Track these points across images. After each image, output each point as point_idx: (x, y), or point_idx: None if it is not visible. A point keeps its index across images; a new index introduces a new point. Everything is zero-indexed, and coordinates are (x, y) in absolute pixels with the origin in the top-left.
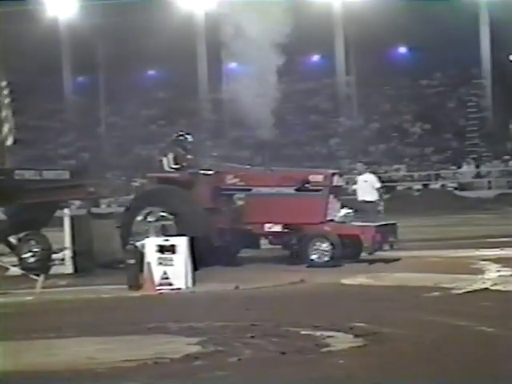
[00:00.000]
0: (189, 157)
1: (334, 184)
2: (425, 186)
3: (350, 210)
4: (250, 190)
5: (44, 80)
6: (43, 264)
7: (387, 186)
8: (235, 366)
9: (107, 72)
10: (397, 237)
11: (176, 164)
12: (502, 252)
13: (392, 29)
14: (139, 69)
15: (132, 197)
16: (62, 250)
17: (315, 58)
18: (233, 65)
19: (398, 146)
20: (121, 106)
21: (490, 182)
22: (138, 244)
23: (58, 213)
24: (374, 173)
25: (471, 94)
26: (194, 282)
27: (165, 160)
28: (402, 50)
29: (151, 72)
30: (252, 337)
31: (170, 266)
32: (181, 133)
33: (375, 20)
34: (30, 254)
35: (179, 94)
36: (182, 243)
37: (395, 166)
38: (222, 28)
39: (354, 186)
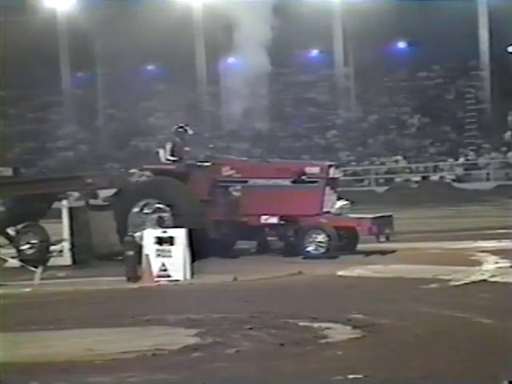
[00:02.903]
0: (186, 148)
1: (331, 176)
2: (423, 177)
3: (347, 202)
4: (246, 181)
5: (42, 72)
6: (41, 256)
7: (386, 178)
8: (233, 358)
9: (105, 64)
10: (393, 229)
11: (172, 155)
12: (500, 244)
13: (390, 21)
14: (137, 61)
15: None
16: (60, 241)
17: (314, 50)
18: (231, 58)
19: (397, 137)
20: (119, 98)
21: (488, 173)
22: (136, 236)
23: (56, 204)
24: None
25: (469, 85)
26: (193, 274)
27: (161, 152)
28: (401, 42)
29: (150, 64)
30: (250, 328)
31: (169, 258)
32: (181, 125)
33: (374, 12)
34: (28, 245)
35: (177, 87)
36: (180, 235)
37: (393, 158)
38: (219, 22)
39: None
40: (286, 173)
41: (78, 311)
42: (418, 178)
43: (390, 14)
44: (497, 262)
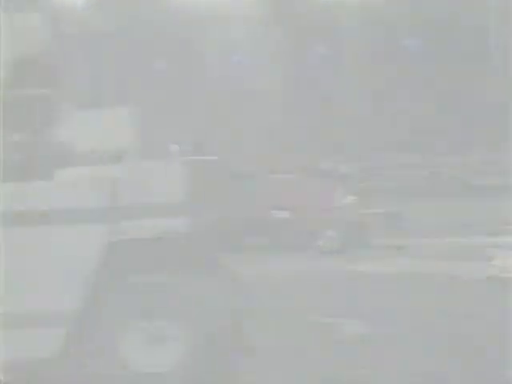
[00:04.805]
0: (199, 144)
1: (342, 171)
2: (435, 173)
3: (357, 197)
4: (257, 176)
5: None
6: None
7: (397, 173)
8: (245, 354)
9: (114, 61)
10: (404, 223)
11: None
12: None
13: (402, 16)
14: (145, 57)
15: None
16: None
17: (323, 45)
18: (240, 54)
19: (407, 133)
20: (127, 95)
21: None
22: None
23: None
24: None
25: (481, 81)
26: None
27: (173, 147)
28: (412, 37)
29: (158, 60)
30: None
31: None
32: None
33: (385, 7)
34: None
35: (186, 84)
36: None
37: (405, 153)
38: (227, 18)
39: None
40: (297, 167)
41: None
42: (429, 174)
43: (402, 8)
44: (508, 258)
